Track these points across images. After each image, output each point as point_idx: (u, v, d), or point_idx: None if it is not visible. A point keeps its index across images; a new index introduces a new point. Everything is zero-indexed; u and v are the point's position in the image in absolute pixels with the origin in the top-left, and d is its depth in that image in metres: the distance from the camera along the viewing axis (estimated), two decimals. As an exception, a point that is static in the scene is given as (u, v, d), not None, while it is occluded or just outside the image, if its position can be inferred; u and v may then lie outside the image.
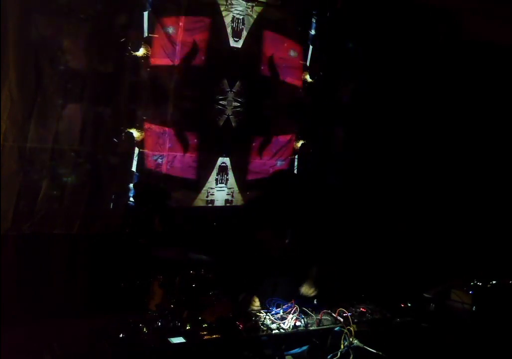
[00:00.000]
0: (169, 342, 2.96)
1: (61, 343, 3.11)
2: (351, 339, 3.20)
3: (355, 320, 3.45)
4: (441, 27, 5.99)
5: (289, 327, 3.29)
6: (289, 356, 3.18)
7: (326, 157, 5.79)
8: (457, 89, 5.87)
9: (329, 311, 3.47)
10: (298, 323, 3.33)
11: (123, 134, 4.57)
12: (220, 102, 5.05)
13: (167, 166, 4.84)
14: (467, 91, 5.86)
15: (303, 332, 3.31)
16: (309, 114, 5.65)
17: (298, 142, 5.64)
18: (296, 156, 5.65)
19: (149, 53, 4.57)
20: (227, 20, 4.97)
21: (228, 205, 5.27)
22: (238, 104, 5.14)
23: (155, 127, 4.74)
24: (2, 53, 3.91)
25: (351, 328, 3.24)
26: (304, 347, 3.26)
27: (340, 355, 3.12)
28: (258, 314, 3.38)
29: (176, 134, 4.88)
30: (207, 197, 5.14)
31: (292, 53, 5.45)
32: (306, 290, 3.66)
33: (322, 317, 3.44)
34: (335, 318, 3.42)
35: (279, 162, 5.52)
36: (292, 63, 5.47)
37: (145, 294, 3.56)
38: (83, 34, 4.25)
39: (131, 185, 4.62)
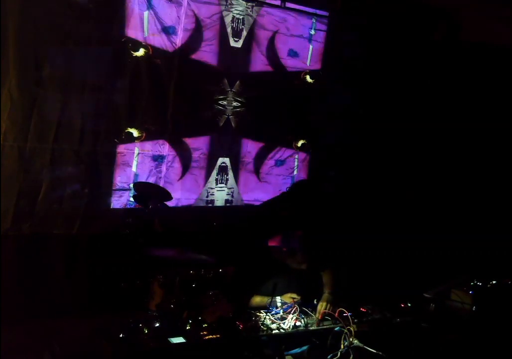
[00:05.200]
0: (169, 342, 2.96)
1: (61, 343, 3.10)
2: (351, 339, 3.19)
3: (355, 320, 3.45)
4: (440, 27, 5.99)
5: (289, 327, 3.29)
6: (289, 356, 3.17)
7: (327, 157, 5.81)
8: (456, 89, 5.88)
9: (329, 311, 3.47)
10: (298, 323, 3.33)
11: (123, 134, 4.57)
12: (220, 102, 5.05)
13: (167, 166, 4.85)
14: (465, 91, 5.87)
15: (303, 332, 3.31)
16: (310, 114, 5.66)
17: (298, 142, 5.64)
18: (297, 156, 5.65)
19: (149, 53, 4.57)
20: (227, 20, 4.98)
21: (228, 205, 5.27)
22: (238, 104, 5.14)
23: (155, 127, 4.74)
24: (2, 53, 3.91)
25: (351, 328, 3.24)
26: (304, 347, 3.25)
27: (340, 355, 3.12)
28: (258, 314, 3.38)
29: (177, 134, 4.88)
30: (207, 197, 5.14)
31: (292, 53, 5.45)
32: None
33: (322, 317, 3.44)
34: (335, 318, 3.42)
35: (278, 163, 5.52)
36: (292, 63, 5.47)
37: (145, 294, 3.55)
38: (83, 34, 4.25)
39: (131, 185, 4.62)
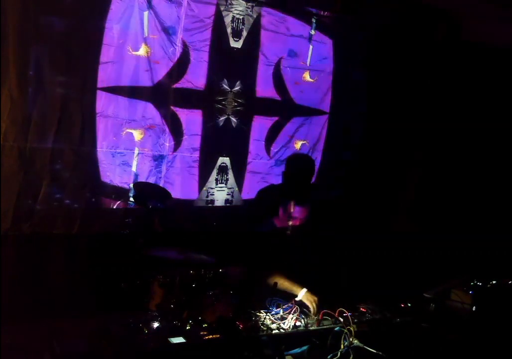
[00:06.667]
0: (169, 342, 2.96)
1: (61, 343, 3.10)
2: (351, 339, 3.19)
3: (355, 320, 3.44)
4: (440, 27, 6.00)
5: (289, 327, 3.29)
6: (289, 356, 3.16)
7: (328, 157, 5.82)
8: (456, 89, 5.88)
9: (329, 311, 3.46)
10: (298, 323, 3.33)
11: (123, 134, 4.57)
12: (220, 102, 5.05)
13: (167, 166, 4.85)
14: (465, 91, 5.87)
15: (303, 332, 3.31)
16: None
17: (298, 143, 5.64)
18: (296, 156, 5.64)
19: (149, 53, 4.58)
20: (227, 20, 4.98)
21: (228, 205, 5.27)
22: (238, 104, 5.14)
23: (155, 127, 4.75)
24: (2, 53, 3.91)
25: (351, 328, 3.23)
26: (304, 347, 3.25)
27: (340, 355, 3.11)
28: (258, 314, 3.38)
29: (176, 134, 4.89)
30: (207, 197, 5.14)
31: (292, 53, 5.45)
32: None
33: (322, 317, 3.43)
34: (335, 318, 3.42)
35: (278, 162, 5.52)
36: (292, 63, 5.47)
37: (145, 294, 3.54)
38: (83, 34, 4.26)
39: (131, 185, 4.62)
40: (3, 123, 3.99)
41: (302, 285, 3.56)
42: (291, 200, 3.86)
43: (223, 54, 5.01)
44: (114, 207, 4.60)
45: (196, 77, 4.89)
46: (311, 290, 3.55)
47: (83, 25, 4.23)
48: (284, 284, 3.59)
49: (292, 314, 3.33)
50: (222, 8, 4.93)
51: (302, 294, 3.53)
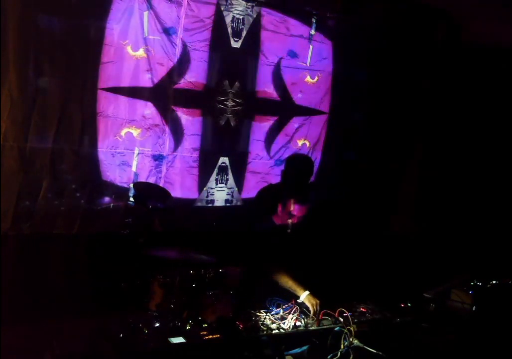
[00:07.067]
0: (169, 342, 2.96)
1: (61, 343, 3.10)
2: (351, 339, 3.19)
3: (355, 320, 3.44)
4: (440, 28, 6.00)
5: (289, 327, 3.29)
6: (289, 356, 3.17)
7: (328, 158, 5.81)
8: (456, 90, 5.88)
9: (329, 311, 3.47)
10: (298, 323, 3.33)
11: (123, 133, 4.57)
12: (220, 102, 5.05)
13: (167, 166, 4.85)
14: (465, 91, 5.87)
15: (303, 332, 3.31)
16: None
17: (298, 143, 5.64)
18: (296, 157, 5.64)
19: (150, 53, 4.58)
20: (227, 20, 4.98)
21: (228, 205, 5.27)
22: (238, 104, 5.14)
23: (155, 127, 4.75)
24: (2, 53, 3.91)
25: (351, 328, 3.23)
26: (304, 347, 3.25)
27: (340, 355, 3.11)
28: (258, 314, 3.38)
29: (176, 134, 4.89)
30: (207, 197, 5.14)
31: (292, 53, 5.45)
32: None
33: (322, 317, 3.43)
34: (335, 318, 3.42)
35: (278, 162, 5.52)
36: (292, 63, 5.47)
37: (145, 294, 3.55)
38: (84, 34, 4.26)
39: (131, 185, 4.62)
40: (3, 123, 3.99)
41: (303, 286, 3.56)
42: (290, 199, 3.86)
43: (223, 54, 5.01)
44: (114, 207, 4.60)
45: (196, 77, 4.89)
46: (312, 292, 3.55)
47: (83, 25, 4.23)
48: (287, 282, 3.59)
49: (292, 314, 3.34)
50: (222, 8, 4.93)
51: (304, 296, 3.52)
